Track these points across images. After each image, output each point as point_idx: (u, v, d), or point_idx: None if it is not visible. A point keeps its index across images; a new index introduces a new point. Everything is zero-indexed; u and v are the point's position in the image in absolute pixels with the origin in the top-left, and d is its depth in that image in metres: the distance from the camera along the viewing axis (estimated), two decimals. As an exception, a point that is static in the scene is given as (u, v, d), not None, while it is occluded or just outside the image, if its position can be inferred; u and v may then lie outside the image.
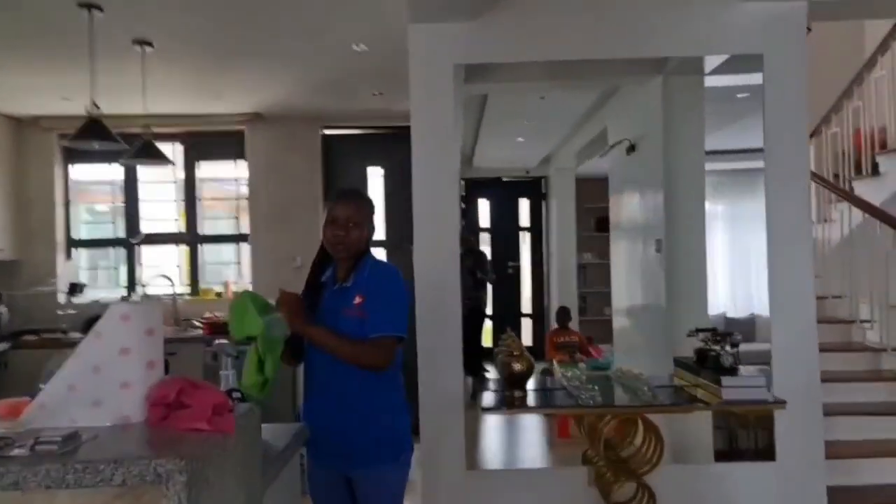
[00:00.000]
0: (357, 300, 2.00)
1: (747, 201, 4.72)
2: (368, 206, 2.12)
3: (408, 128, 5.08)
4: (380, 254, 5.13)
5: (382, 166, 5.20)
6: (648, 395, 2.61)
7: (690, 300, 3.80)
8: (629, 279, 4.80)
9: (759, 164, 5.02)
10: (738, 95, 4.34)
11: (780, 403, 2.60)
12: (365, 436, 1.97)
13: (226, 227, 5.53)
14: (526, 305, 7.49)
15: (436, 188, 2.93)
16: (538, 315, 7.37)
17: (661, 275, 3.89)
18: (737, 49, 2.95)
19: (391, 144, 5.13)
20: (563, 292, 7.08)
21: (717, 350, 2.80)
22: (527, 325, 7.38)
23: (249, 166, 5.14)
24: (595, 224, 7.82)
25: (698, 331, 2.92)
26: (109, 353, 1.26)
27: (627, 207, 4.84)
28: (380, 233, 5.10)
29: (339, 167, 5.13)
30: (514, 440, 4.82)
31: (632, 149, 4.44)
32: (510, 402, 2.68)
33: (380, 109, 4.79)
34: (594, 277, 7.65)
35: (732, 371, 2.68)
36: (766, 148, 2.91)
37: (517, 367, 2.71)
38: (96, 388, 1.25)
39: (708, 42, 2.96)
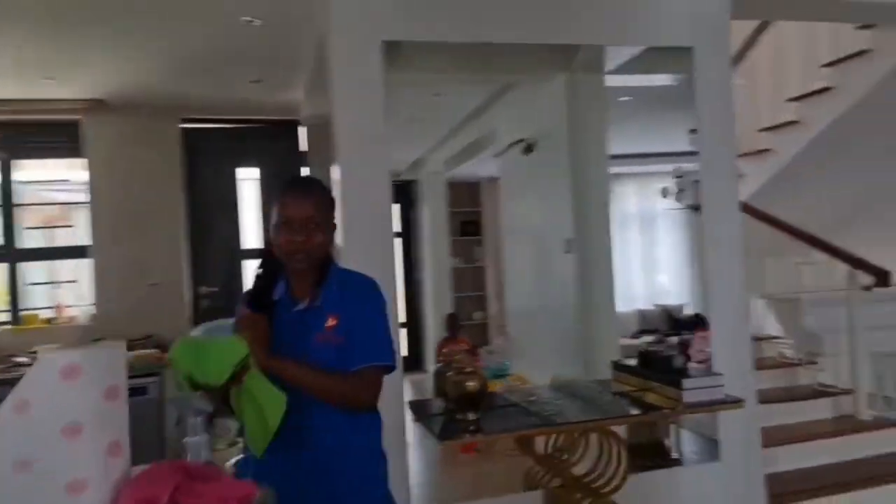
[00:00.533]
0: (330, 322, 1.58)
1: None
2: (330, 201, 1.68)
3: (287, 122, 4.60)
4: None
5: (258, 167, 4.58)
6: (618, 405, 2.43)
7: (600, 300, 3.75)
8: (529, 282, 4.68)
9: (622, 168, 5.23)
10: (620, 98, 4.41)
11: (739, 402, 2.54)
12: (346, 495, 1.55)
13: (55, 240, 4.56)
14: (400, 314, 7.16)
15: (367, 188, 2.52)
16: (413, 324, 7.07)
17: (571, 276, 3.79)
18: (668, 41, 2.89)
19: (268, 141, 4.55)
20: (438, 299, 6.86)
21: (666, 351, 2.71)
22: (402, 335, 7.07)
23: (89, 165, 4.25)
24: (461, 228, 7.77)
25: (642, 332, 2.82)
26: (45, 436, 0.75)
27: (525, 209, 4.72)
28: (257, 244, 4.51)
29: (202, 167, 4.44)
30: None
31: (529, 149, 4.33)
32: (465, 426, 2.35)
33: (255, 100, 4.20)
34: (463, 282, 7.56)
35: (684, 372, 2.60)
36: (700, 145, 2.88)
37: (471, 385, 2.39)
38: (25, 497, 0.73)
39: (641, 32, 2.87)
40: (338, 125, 2.53)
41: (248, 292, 1.73)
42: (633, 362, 2.82)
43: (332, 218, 1.68)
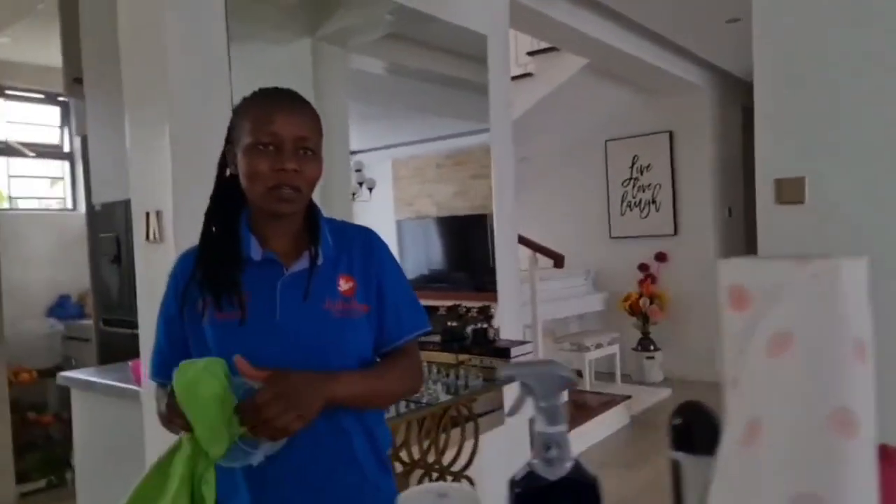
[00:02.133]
0: (344, 285, 1.16)
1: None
2: (320, 124, 1.20)
3: None
4: None
5: None
6: (466, 381, 2.39)
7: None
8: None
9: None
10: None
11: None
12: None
13: None
14: None
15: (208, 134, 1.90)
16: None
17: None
18: (468, 23, 2.98)
19: None
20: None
21: (478, 325, 2.82)
22: None
23: None
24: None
25: (448, 309, 2.85)
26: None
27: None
28: None
29: None
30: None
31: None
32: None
33: None
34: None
35: (495, 342, 2.76)
36: (491, 128, 3.08)
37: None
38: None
39: (451, 9, 2.89)
40: (163, 36, 1.82)
41: (205, 248, 1.17)
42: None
43: (321, 147, 1.23)
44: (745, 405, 0.41)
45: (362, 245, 1.22)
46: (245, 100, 1.17)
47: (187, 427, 0.96)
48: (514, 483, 0.71)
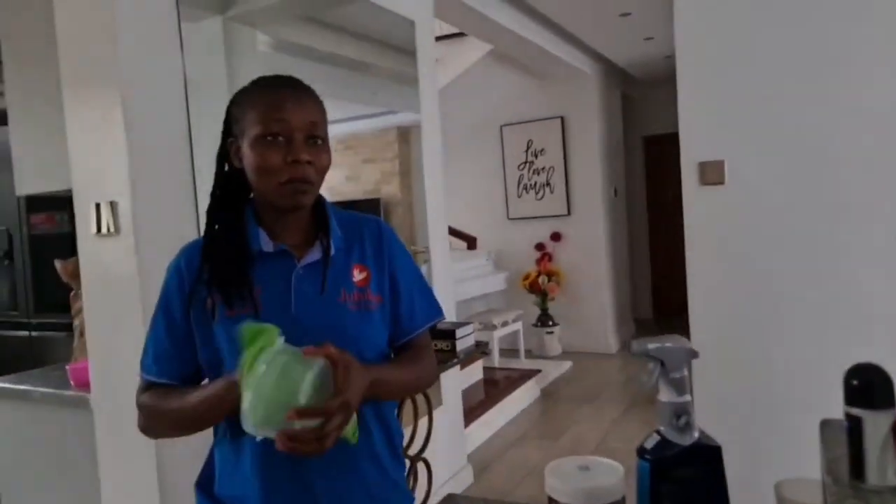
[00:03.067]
0: (359, 275, 1.15)
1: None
2: (325, 108, 1.15)
3: None
4: None
5: None
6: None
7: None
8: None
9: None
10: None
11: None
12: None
13: None
14: None
15: (160, 111, 1.78)
16: None
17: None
18: (398, 9, 2.96)
19: None
20: None
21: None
22: None
23: None
24: None
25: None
26: None
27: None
28: None
29: None
30: None
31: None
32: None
33: None
34: None
35: (436, 325, 2.81)
36: (422, 116, 3.09)
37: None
38: None
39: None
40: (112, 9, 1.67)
41: (211, 245, 1.12)
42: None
43: (328, 134, 1.17)
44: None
45: (373, 235, 1.20)
46: (245, 90, 1.12)
47: None
48: (645, 450, 0.78)
